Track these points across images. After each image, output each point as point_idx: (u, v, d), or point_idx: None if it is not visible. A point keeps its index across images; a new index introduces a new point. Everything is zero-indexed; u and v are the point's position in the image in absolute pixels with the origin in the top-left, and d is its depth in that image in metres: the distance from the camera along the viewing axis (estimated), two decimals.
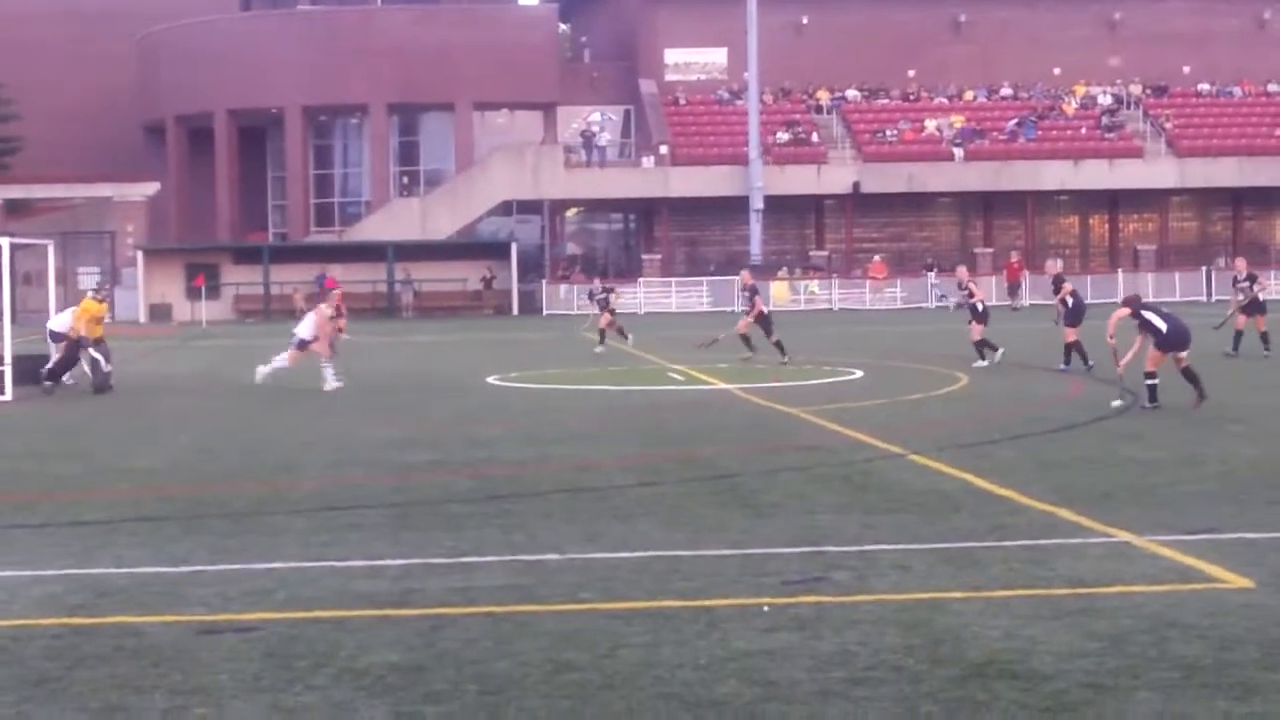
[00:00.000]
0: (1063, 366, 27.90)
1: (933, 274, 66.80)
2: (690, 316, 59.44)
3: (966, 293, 31.46)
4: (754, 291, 33.04)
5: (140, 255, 65.68)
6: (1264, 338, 30.66)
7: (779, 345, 31.09)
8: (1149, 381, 21.06)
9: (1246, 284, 31.10)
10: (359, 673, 8.43)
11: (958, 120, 74.03)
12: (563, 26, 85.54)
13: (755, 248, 69.11)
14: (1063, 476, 15.17)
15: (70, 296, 63.18)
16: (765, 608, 9.77)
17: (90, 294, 29.93)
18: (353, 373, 28.86)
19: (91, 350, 28.13)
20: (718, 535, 12.34)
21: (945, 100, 76.70)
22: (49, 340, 29.69)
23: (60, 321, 29.73)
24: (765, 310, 32.55)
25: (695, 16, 76.31)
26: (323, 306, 28.40)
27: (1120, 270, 68.91)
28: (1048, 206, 75.86)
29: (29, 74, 79.21)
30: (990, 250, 71.23)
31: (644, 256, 71.63)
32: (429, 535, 12.55)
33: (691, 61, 78.24)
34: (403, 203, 72.00)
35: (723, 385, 26.77)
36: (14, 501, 14.93)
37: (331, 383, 26.99)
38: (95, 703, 7.98)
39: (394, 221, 69.23)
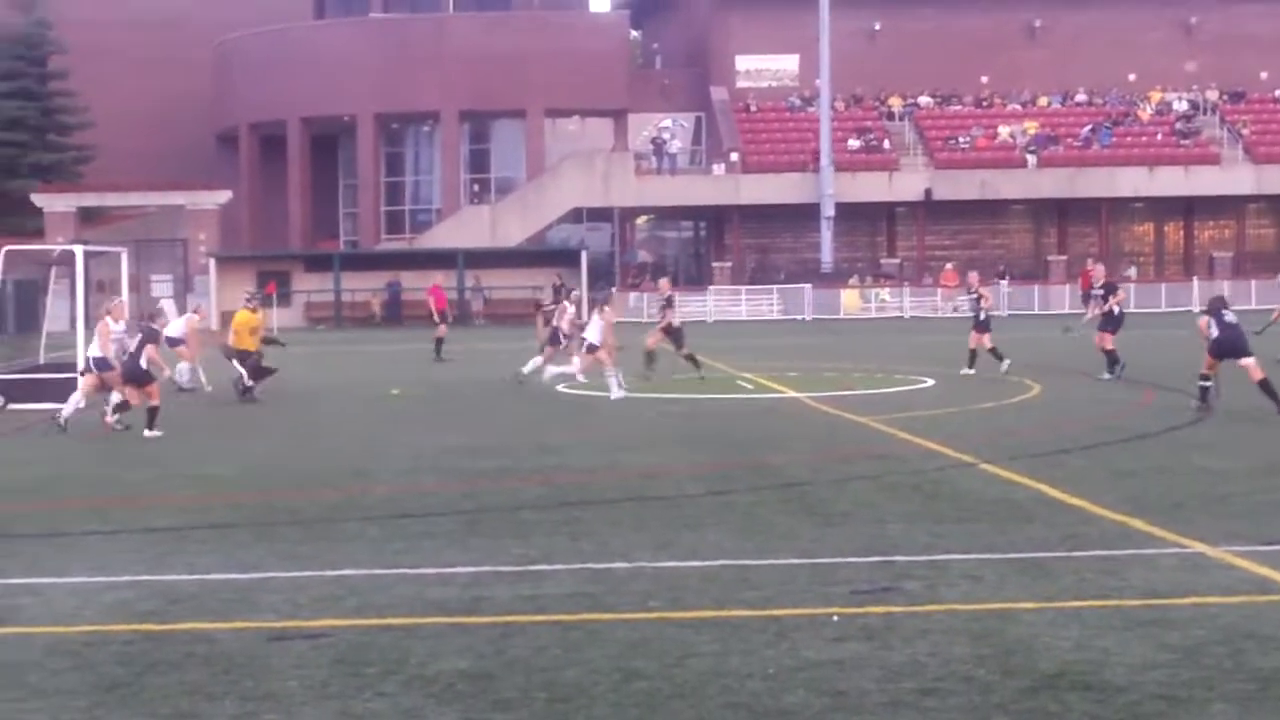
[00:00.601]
0: (1106, 376, 27.77)
1: (1005, 282, 66.39)
2: (760, 324, 59.34)
3: (976, 297, 31.29)
4: (668, 303, 31.81)
5: (212, 263, 66.15)
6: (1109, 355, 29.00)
7: (691, 359, 29.95)
8: (1201, 384, 21.84)
9: (1101, 294, 29.85)
10: (428, 680, 8.45)
11: (1031, 126, 73.56)
12: (634, 33, 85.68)
13: (826, 255, 68.95)
14: (1135, 486, 15.04)
15: (144, 304, 63.97)
16: (834, 617, 9.73)
17: (246, 303, 28.92)
18: (424, 380, 28.95)
19: (235, 361, 27.95)
20: (787, 544, 12.30)
21: (1019, 106, 76.27)
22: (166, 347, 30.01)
23: (175, 328, 29.84)
24: (676, 323, 31.09)
25: (767, 23, 76.19)
26: (608, 310, 27.21)
27: (1195, 278, 68.28)
28: (1122, 213, 75.24)
29: (102, 82, 79.97)
30: (1064, 258, 70.76)
31: (714, 264, 71.56)
32: (499, 542, 12.57)
33: (763, 68, 78.11)
34: (473, 210, 72.23)
35: (793, 393, 26.69)
36: (87, 507, 15.06)
37: (617, 392, 25.92)
38: (166, 709, 8.03)
39: (464, 229, 69.47)
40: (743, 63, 77.88)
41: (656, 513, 13.99)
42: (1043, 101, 76.56)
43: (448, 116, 74.10)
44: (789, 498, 14.75)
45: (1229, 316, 21.93)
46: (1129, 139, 73.42)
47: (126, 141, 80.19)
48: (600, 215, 75.86)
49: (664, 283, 34.34)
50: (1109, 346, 28.25)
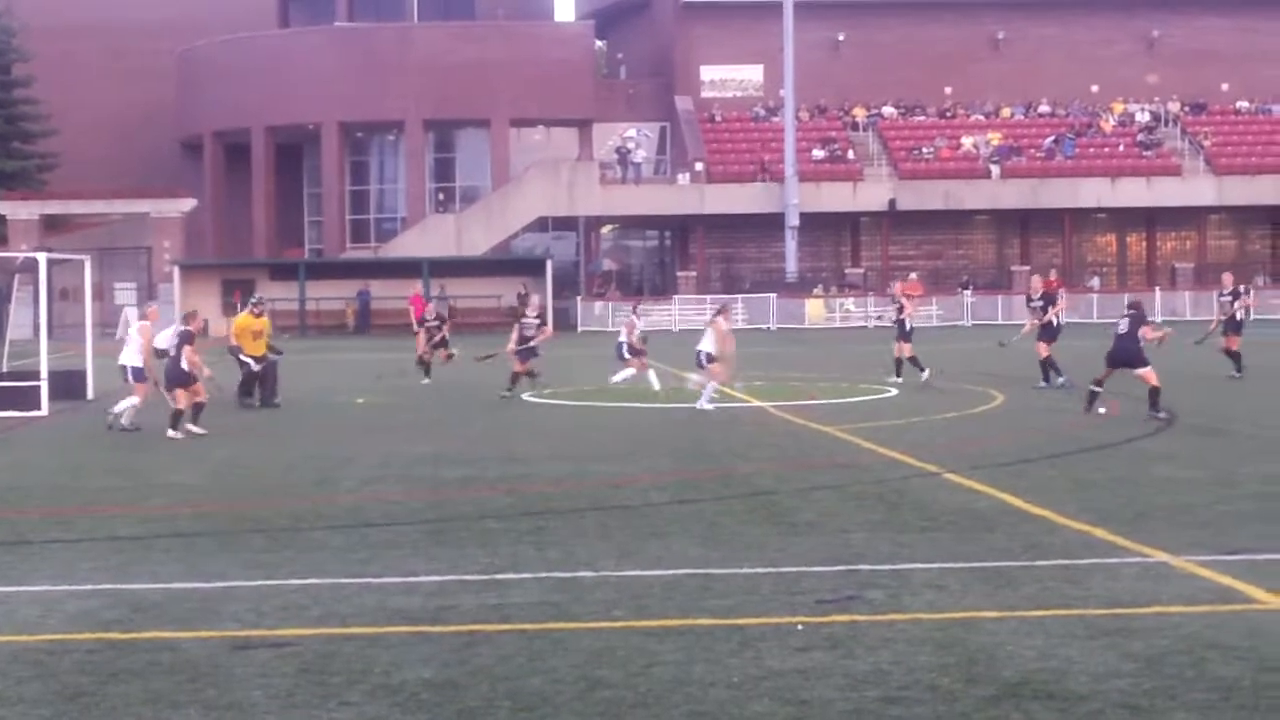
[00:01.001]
0: (1042, 385, 28.06)
1: (968, 292, 66.63)
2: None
3: (898, 307, 31.55)
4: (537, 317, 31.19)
5: (177, 271, 65.91)
6: (1233, 356, 29.82)
7: (529, 373, 29.72)
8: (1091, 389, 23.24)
9: (1229, 299, 30.62)
10: (393, 689, 8.45)
11: (995, 137, 73.87)
12: (599, 43, 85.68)
13: (791, 265, 69.09)
14: (1097, 496, 15.11)
15: (106, 312, 63.76)
16: (799, 626, 9.76)
17: (251, 307, 28.57)
18: (391, 389, 28.93)
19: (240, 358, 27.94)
20: (752, 553, 12.33)
21: (982, 117, 76.57)
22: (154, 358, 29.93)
23: (164, 339, 29.68)
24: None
25: (731, 33, 76.35)
26: (720, 320, 26.76)
27: (1158, 288, 68.63)
28: (1085, 224, 75.61)
29: (66, 89, 79.67)
30: (1027, 268, 70.83)
31: (679, 273, 71.63)
32: (464, 552, 12.56)
33: (727, 78, 78.24)
34: (438, 219, 72.17)
35: (758, 403, 26.74)
36: (51, 516, 15.01)
37: (705, 403, 25.29)
38: (129, 717, 8.02)
39: (429, 238, 69.41)
40: (707, 73, 78.00)
41: (622, 522, 14.00)
42: (1006, 112, 76.90)
43: (412, 125, 74.00)
44: (754, 507, 14.79)
45: (1122, 326, 22.89)
46: (1091, 150, 73.83)
47: (91, 149, 79.88)
48: (565, 224, 75.90)
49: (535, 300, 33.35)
50: (1044, 354, 28.55)
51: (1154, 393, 22.36)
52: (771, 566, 11.75)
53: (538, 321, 30.39)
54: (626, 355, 29.51)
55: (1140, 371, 22.57)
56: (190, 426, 22.71)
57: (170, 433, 22.43)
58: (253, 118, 75.24)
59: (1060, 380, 27.93)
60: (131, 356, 24.09)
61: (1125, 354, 22.71)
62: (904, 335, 30.81)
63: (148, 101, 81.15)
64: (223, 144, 77.89)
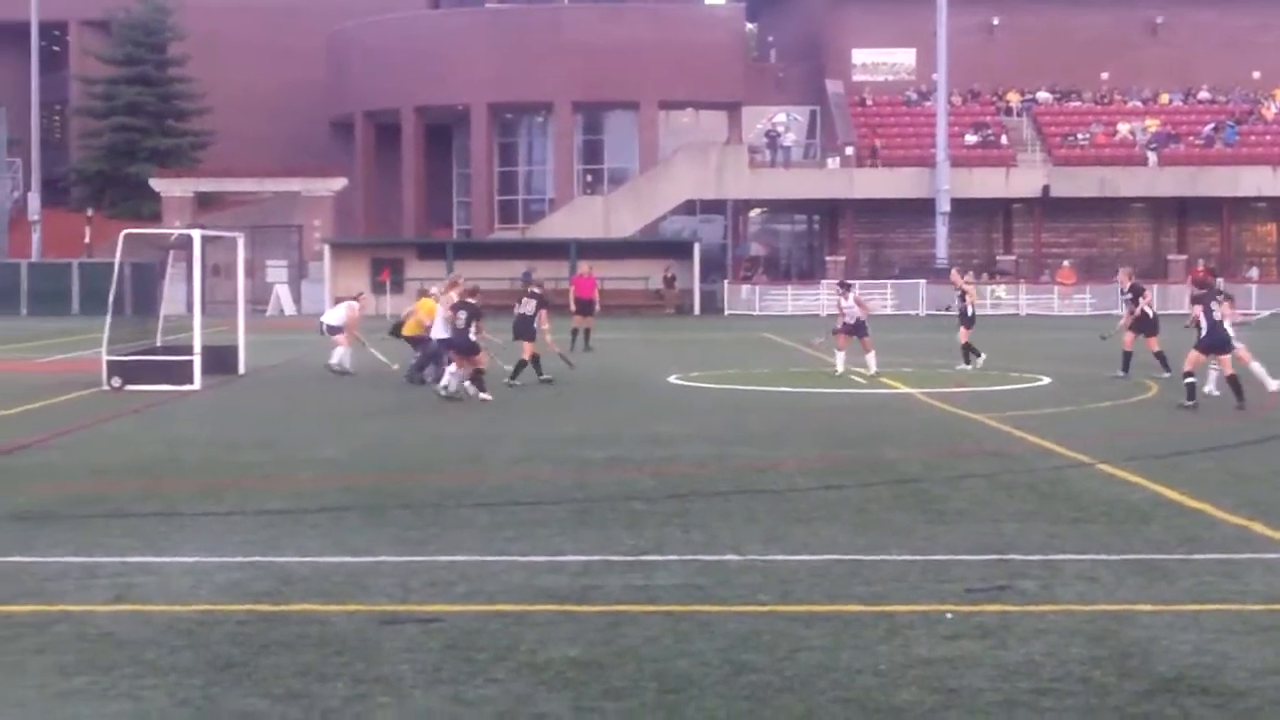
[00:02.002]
0: (1119, 374, 27.95)
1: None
2: (873, 319, 58.96)
3: (961, 294, 32.00)
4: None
5: (327, 249, 66.70)
6: (1159, 357, 28.52)
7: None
8: (1186, 380, 22.79)
9: (1129, 298, 29.57)
10: (539, 667, 8.45)
11: (1152, 124, 72.62)
12: (749, 26, 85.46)
13: (941, 251, 68.44)
14: (1256, 490, 14.79)
15: (258, 290, 64.70)
16: (948, 615, 9.64)
17: (434, 292, 28.43)
18: (548, 369, 29.00)
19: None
20: (900, 540, 12.21)
21: (1140, 103, 75.30)
22: (324, 334, 30.51)
23: (335, 315, 30.43)
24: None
25: (884, 16, 75.72)
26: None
27: None
28: (1244, 213, 74.05)
29: (220, 68, 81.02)
30: (1184, 257, 69.80)
31: (827, 258, 71.23)
32: (609, 532, 12.56)
33: (879, 62, 77.64)
34: (586, 200, 72.37)
35: (906, 389, 26.51)
36: (202, 488, 15.22)
37: (1271, 384, 23.76)
38: (279, 688, 8.08)
39: (577, 219, 69.60)
40: (859, 56, 77.46)
41: (767, 506, 13.93)
42: (1164, 99, 75.56)
43: (561, 107, 74.29)
44: (902, 494, 14.64)
45: (1217, 312, 22.68)
46: (1252, 138, 72.32)
47: (243, 127, 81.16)
48: (713, 208, 75.77)
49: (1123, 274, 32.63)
50: (1128, 348, 28.35)
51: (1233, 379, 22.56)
52: (920, 554, 11.63)
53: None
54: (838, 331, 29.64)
55: (1224, 358, 22.75)
56: (471, 389, 24.52)
57: (482, 395, 24.26)
58: (403, 98, 75.95)
59: (1165, 375, 27.59)
60: (439, 330, 25.96)
61: (1221, 340, 22.62)
62: (967, 322, 31.39)
63: (299, 80, 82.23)
64: (373, 124, 78.71)
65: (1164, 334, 29.01)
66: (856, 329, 29.39)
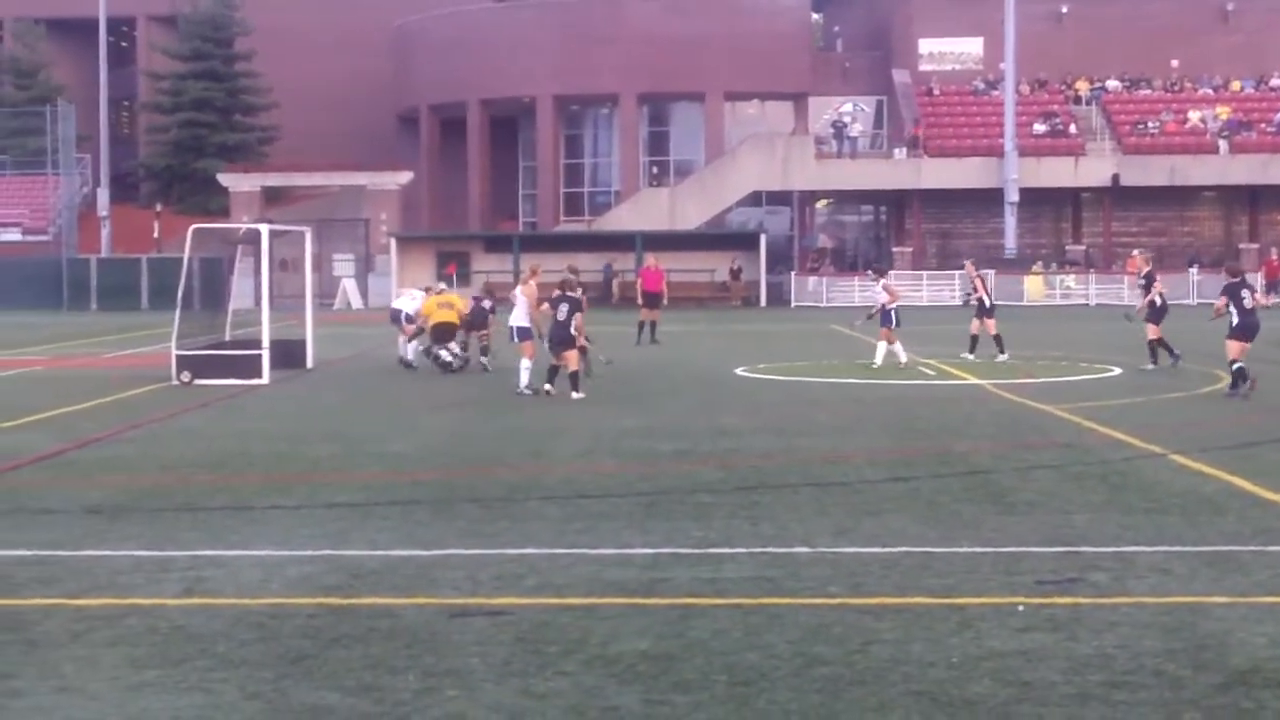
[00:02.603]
0: (1151, 366, 27.86)
1: (1195, 269, 64.94)
2: (941, 310, 58.73)
3: (973, 287, 31.79)
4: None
5: (394, 243, 66.97)
6: (1151, 346, 28.53)
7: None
8: (1235, 368, 22.90)
9: (1143, 284, 29.54)
10: (609, 660, 8.43)
11: (1223, 111, 71.87)
12: (815, 16, 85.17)
13: (1010, 241, 68.07)
14: None
15: (325, 284, 65.00)
16: (1020, 607, 9.56)
17: (440, 287, 29.70)
18: (603, 362, 29.04)
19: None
20: (970, 532, 12.13)
21: (1210, 91, 74.56)
22: (395, 322, 30.69)
23: (409, 305, 30.59)
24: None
25: (951, 5, 75.34)
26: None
27: None
28: None
29: (286, 63, 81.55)
30: (1256, 246, 69.10)
31: (895, 249, 70.95)
32: (677, 525, 12.53)
33: (946, 51, 77.26)
34: (652, 192, 72.35)
35: (975, 380, 26.37)
36: (272, 482, 15.29)
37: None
38: (350, 681, 8.10)
39: (643, 211, 69.58)
40: (926, 45, 77.10)
41: (837, 498, 13.86)
42: (1235, 86, 74.81)
43: (627, 99, 74.31)
44: (972, 485, 14.55)
45: (1248, 300, 23.23)
46: None
47: (309, 122, 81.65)
48: (779, 199, 75.62)
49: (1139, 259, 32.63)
50: (1152, 336, 28.21)
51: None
52: (990, 546, 11.55)
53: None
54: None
55: (1245, 345, 23.16)
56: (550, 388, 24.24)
57: (574, 394, 23.65)
58: (468, 91, 76.15)
59: (1171, 361, 27.73)
60: (519, 317, 25.51)
61: (1255, 326, 23.15)
62: (985, 312, 31.25)
63: (364, 75, 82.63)
64: (438, 117, 78.99)
65: (1171, 322, 28.99)
66: (883, 318, 29.26)
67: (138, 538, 12.16)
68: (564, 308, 24.39)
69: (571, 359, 24.30)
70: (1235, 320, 23.09)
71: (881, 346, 29.05)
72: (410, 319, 30.27)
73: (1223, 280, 24.43)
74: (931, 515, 12.90)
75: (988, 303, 31.50)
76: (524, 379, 24.57)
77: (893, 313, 29.26)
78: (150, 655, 8.65)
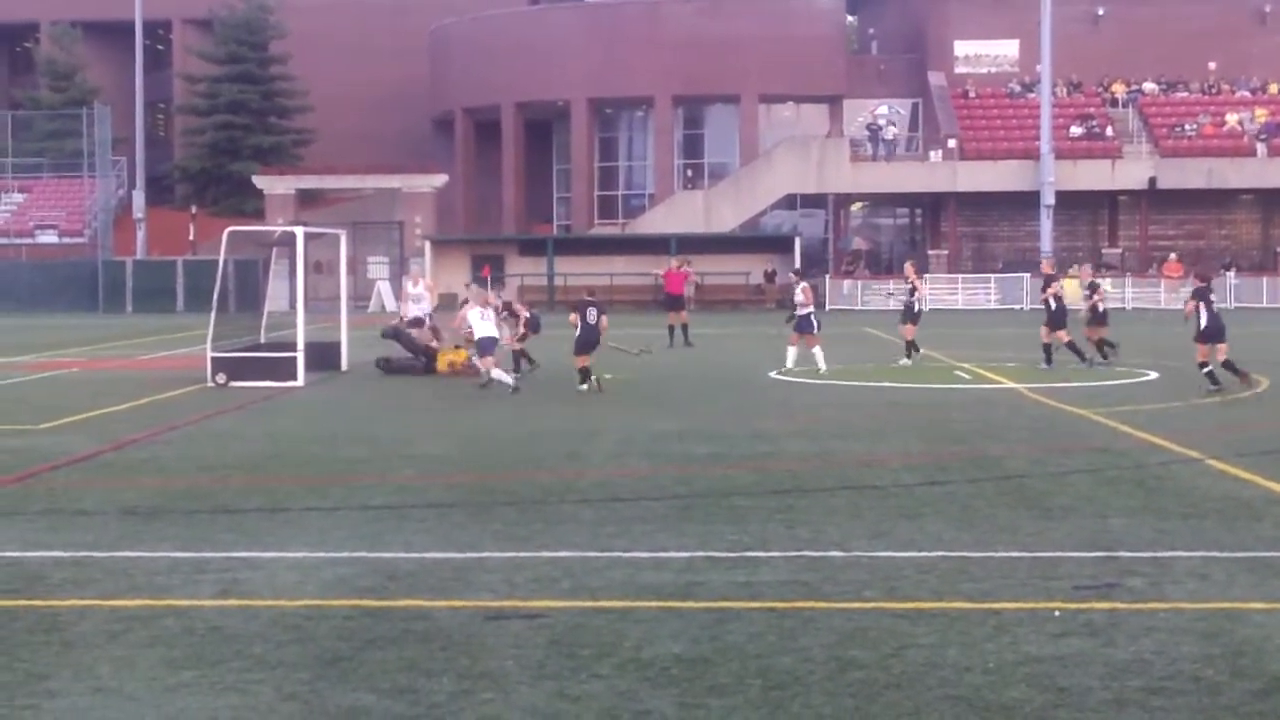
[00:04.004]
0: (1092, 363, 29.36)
1: (1232, 273, 64.61)
2: (977, 313, 58.59)
3: (911, 288, 31.55)
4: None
5: (428, 245, 67.02)
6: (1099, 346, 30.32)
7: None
8: (1205, 371, 24.18)
9: (1086, 292, 30.80)
10: (644, 664, 8.42)
11: (1261, 114, 71.46)
12: (850, 18, 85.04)
13: (1046, 244, 67.78)
14: None
15: (360, 286, 65.13)
16: (1056, 612, 9.53)
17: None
18: (636, 365, 29.06)
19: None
20: (1006, 536, 12.09)
21: (1248, 93, 74.14)
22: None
23: (483, 326, 30.61)
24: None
25: (986, 8, 75.16)
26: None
27: None
28: None
29: (321, 66, 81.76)
30: None
31: (930, 252, 70.76)
32: (712, 528, 12.52)
33: (982, 54, 77.04)
34: (686, 195, 72.28)
35: (1011, 384, 26.28)
36: (307, 484, 15.33)
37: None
38: (385, 683, 8.11)
39: (677, 214, 69.51)
40: (961, 48, 76.90)
41: (872, 502, 13.83)
42: (1273, 89, 74.34)
43: (661, 102, 74.30)
44: (1007, 490, 14.50)
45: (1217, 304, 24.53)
46: None
47: (344, 125, 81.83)
48: (814, 202, 75.49)
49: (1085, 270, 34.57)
50: (1047, 339, 29.55)
51: (1230, 364, 24.10)
52: (1026, 551, 11.51)
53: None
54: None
55: (1221, 346, 24.17)
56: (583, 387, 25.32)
57: (580, 386, 25.17)
58: (503, 94, 76.24)
59: (1048, 360, 29.21)
60: (487, 328, 26.42)
61: (1220, 329, 24.08)
62: (911, 318, 31.09)
63: (400, 78, 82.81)
64: (473, 120, 79.07)
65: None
66: (801, 323, 29.34)
67: (174, 539, 12.20)
68: (592, 312, 25.69)
69: (584, 360, 25.52)
70: (1204, 323, 24.13)
71: (792, 352, 29.36)
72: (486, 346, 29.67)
73: (1192, 285, 25.34)
74: (967, 519, 12.86)
75: (916, 308, 31.23)
76: (507, 378, 25.85)
77: (812, 318, 29.36)
78: (186, 656, 8.68)
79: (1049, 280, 30.65)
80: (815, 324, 29.45)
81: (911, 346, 30.89)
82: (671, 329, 38.20)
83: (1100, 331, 30.33)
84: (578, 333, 25.83)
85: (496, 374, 25.86)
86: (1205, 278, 25.75)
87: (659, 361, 32.14)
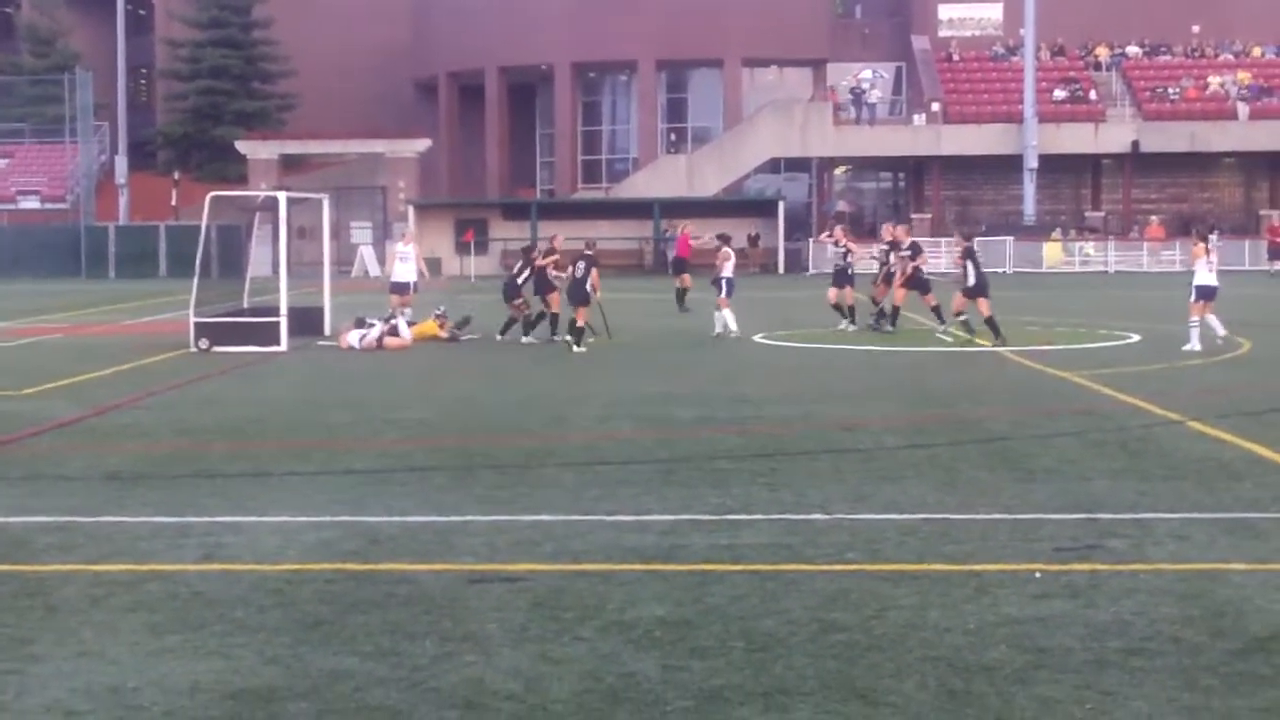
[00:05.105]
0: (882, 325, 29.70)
1: (1214, 236, 64.56)
2: (959, 277, 58.55)
3: (844, 251, 31.01)
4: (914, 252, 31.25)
5: (411, 210, 66.86)
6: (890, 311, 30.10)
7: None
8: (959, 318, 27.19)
9: (909, 254, 30.22)
10: (626, 626, 8.44)
11: (1244, 77, 71.46)
12: None
13: (1029, 208, 67.85)
14: None
15: (343, 251, 64.98)
16: (1037, 574, 9.56)
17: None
18: (618, 329, 29.06)
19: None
20: (988, 499, 12.12)
21: (1231, 56, 74.12)
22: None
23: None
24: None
25: None
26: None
27: None
28: None
29: (305, 31, 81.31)
30: (1276, 212, 68.72)
31: (914, 215, 70.67)
32: (695, 491, 12.54)
33: (966, 17, 76.91)
34: (670, 159, 72.15)
35: (992, 347, 26.31)
36: (289, 448, 15.33)
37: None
38: (368, 646, 8.12)
39: (660, 178, 69.43)
40: (945, 12, 76.77)
41: (854, 465, 13.86)
42: (1256, 51, 74.35)
43: (645, 66, 74.07)
44: (990, 452, 14.53)
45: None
46: None
47: (328, 89, 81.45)
48: (798, 165, 75.43)
49: (900, 230, 32.73)
50: (894, 301, 29.86)
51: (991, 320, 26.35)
52: (1008, 513, 11.55)
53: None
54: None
55: (984, 300, 26.72)
56: (576, 348, 25.96)
57: (576, 348, 25.82)
58: (486, 58, 75.95)
59: (846, 324, 29.89)
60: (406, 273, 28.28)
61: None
62: (843, 280, 30.59)
63: (383, 42, 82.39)
64: (457, 84, 78.80)
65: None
66: (725, 286, 29.43)
67: (156, 504, 12.20)
68: (581, 265, 26.48)
69: (583, 315, 26.17)
70: (971, 280, 26.82)
71: (723, 315, 29.21)
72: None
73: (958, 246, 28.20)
74: (949, 482, 12.89)
75: (850, 271, 30.79)
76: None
77: (724, 281, 29.40)
78: (169, 620, 8.68)
79: (917, 249, 30.50)
80: (729, 287, 29.46)
81: (853, 311, 30.38)
82: (681, 293, 38.03)
83: (884, 291, 30.37)
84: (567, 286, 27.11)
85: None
86: (969, 237, 28.97)
87: (642, 325, 32.13)
